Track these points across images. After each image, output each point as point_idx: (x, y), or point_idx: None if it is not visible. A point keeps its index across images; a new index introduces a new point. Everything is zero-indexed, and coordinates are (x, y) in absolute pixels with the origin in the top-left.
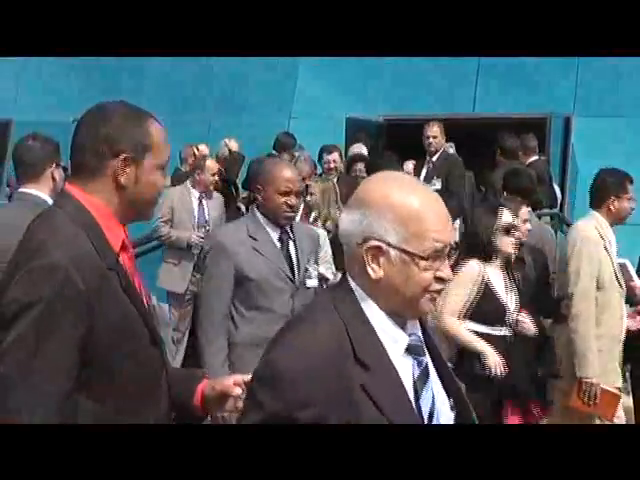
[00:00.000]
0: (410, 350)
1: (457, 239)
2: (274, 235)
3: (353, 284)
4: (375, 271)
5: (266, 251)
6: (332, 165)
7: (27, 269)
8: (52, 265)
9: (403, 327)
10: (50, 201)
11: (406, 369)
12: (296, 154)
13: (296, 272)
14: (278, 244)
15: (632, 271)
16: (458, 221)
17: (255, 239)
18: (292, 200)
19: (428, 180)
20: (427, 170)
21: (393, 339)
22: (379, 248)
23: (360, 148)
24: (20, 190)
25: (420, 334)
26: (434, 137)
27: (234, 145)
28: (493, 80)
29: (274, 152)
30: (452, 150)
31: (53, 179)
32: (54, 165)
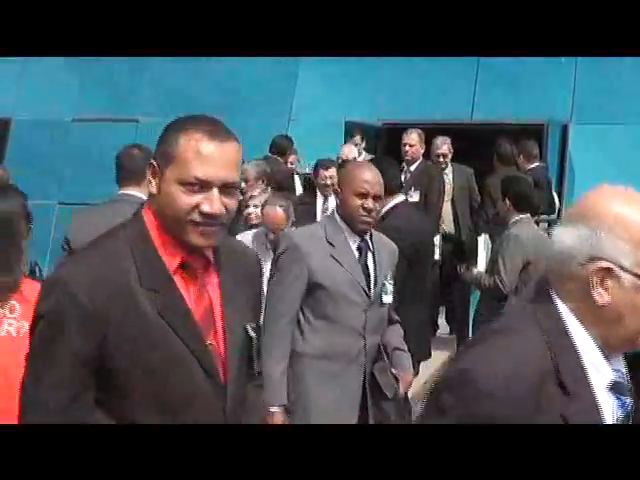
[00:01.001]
0: (614, 388)
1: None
2: (353, 243)
3: (559, 303)
4: (602, 296)
5: (344, 260)
6: (328, 182)
7: (45, 280)
8: (59, 279)
9: (608, 360)
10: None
11: (607, 407)
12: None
13: (372, 286)
14: (356, 253)
15: None
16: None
17: (333, 245)
18: (369, 203)
19: (405, 190)
20: (404, 180)
21: (598, 370)
22: (609, 270)
23: (351, 151)
24: (121, 192)
25: (624, 371)
26: (411, 145)
27: None
28: (491, 87)
29: (269, 155)
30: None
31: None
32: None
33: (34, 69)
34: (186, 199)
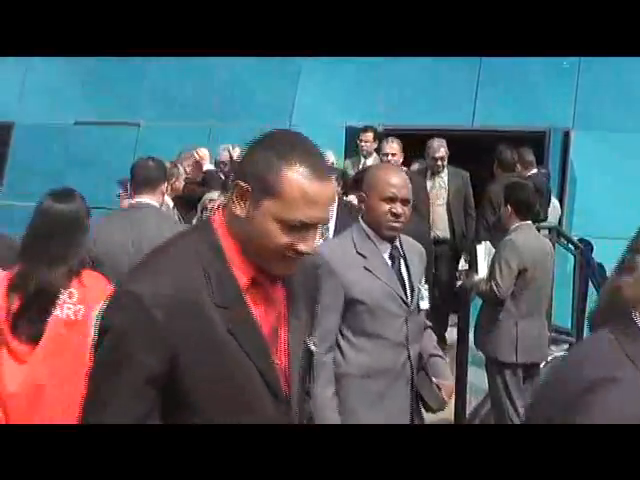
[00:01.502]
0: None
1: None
2: (384, 251)
3: None
4: None
5: (378, 270)
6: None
7: (118, 291)
8: (129, 292)
9: None
10: (157, 207)
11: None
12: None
13: (409, 294)
14: (389, 262)
15: None
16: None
17: (364, 256)
18: (397, 208)
19: None
20: None
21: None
22: None
23: (328, 157)
24: (137, 200)
25: None
26: (393, 155)
27: (237, 152)
28: (493, 93)
29: None
30: (417, 166)
31: (162, 193)
32: (165, 182)
33: (36, 73)
34: (284, 238)
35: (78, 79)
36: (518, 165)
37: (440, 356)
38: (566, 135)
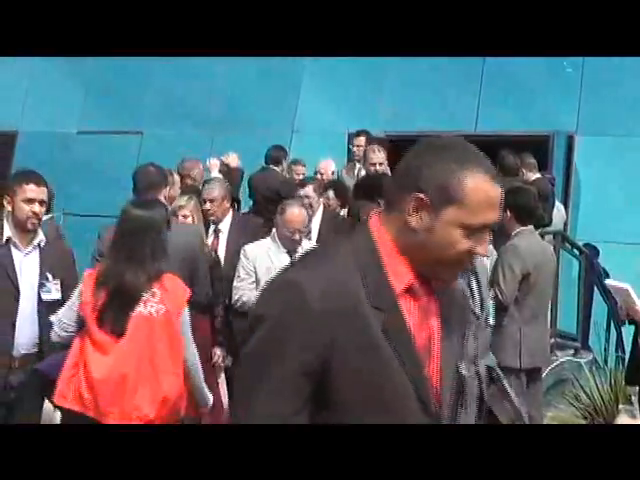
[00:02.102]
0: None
1: None
2: None
3: None
4: None
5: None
6: (305, 201)
7: (270, 282)
8: (290, 282)
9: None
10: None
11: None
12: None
13: (480, 310)
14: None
15: (634, 295)
16: None
17: None
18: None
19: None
20: None
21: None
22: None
23: (323, 163)
24: None
25: None
26: (380, 164)
27: (233, 161)
28: (496, 98)
29: (266, 166)
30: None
31: (165, 198)
32: (167, 187)
33: (40, 83)
34: (465, 243)
35: (81, 88)
36: (523, 169)
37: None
38: (570, 139)
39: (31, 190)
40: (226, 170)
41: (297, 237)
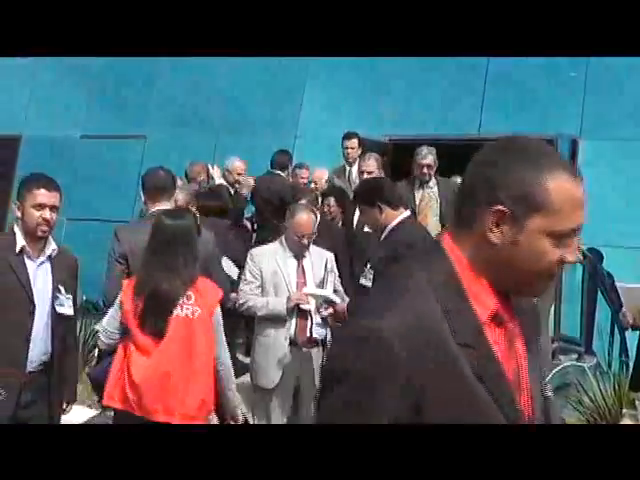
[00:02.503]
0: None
1: None
2: None
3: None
4: None
5: None
6: (313, 186)
7: (353, 329)
8: (371, 330)
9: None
10: None
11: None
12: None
13: None
14: None
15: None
16: None
17: None
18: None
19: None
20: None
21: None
22: None
23: (318, 172)
24: (156, 209)
25: None
26: (369, 172)
27: (217, 172)
28: (499, 101)
29: (271, 170)
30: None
31: (175, 202)
32: (176, 191)
33: (43, 87)
34: (556, 252)
35: (84, 92)
36: None
37: None
38: (574, 143)
39: (42, 195)
40: (231, 177)
41: (305, 242)
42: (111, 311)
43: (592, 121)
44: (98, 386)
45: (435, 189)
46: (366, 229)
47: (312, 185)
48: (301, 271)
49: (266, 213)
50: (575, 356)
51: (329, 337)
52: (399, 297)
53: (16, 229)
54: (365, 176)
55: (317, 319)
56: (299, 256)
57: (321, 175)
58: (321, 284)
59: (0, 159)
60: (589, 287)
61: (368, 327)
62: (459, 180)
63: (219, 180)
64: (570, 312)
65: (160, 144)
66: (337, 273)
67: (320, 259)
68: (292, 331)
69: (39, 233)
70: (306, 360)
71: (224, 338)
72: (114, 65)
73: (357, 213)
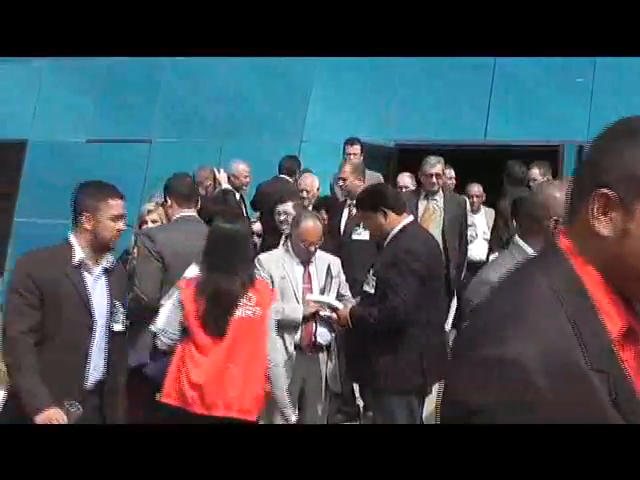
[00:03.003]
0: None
1: None
2: None
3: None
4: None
5: None
6: (282, 217)
7: (479, 358)
8: (505, 360)
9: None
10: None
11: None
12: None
13: None
14: None
15: None
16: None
17: None
18: None
19: (350, 227)
20: (348, 215)
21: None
22: None
23: (309, 180)
24: (185, 213)
25: None
26: (344, 179)
27: (224, 177)
28: (506, 107)
29: (280, 176)
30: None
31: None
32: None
33: (49, 91)
34: None
35: (91, 97)
36: (541, 177)
37: None
38: (580, 150)
39: (118, 205)
40: (237, 182)
41: (312, 249)
42: (166, 312)
43: (599, 127)
44: (153, 383)
45: (440, 202)
46: (354, 237)
47: (304, 194)
48: (307, 277)
49: (267, 218)
50: None
51: (333, 342)
52: (525, 314)
53: (73, 240)
54: (345, 184)
55: (321, 324)
56: (305, 262)
57: (312, 183)
58: (323, 290)
59: (6, 163)
60: None
61: (500, 356)
62: (468, 191)
63: (225, 185)
64: None
65: (165, 148)
66: (344, 278)
67: (323, 264)
68: (297, 336)
69: (111, 245)
70: (312, 364)
71: (277, 337)
72: (119, 69)
73: (344, 220)
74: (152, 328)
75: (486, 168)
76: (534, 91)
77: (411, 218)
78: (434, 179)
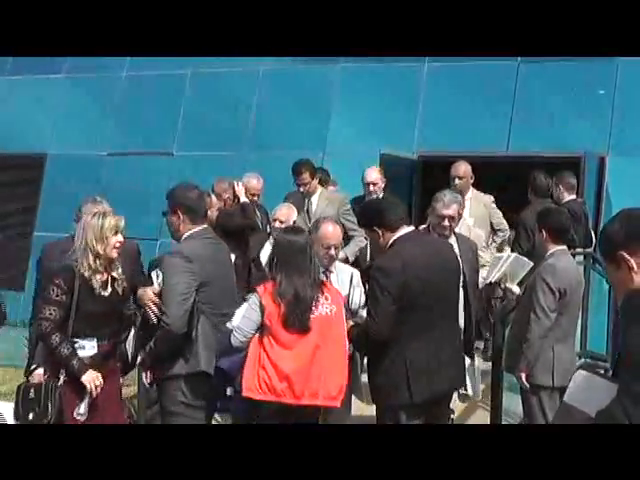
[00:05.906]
0: None
1: None
2: None
3: None
4: None
5: None
6: (277, 225)
7: None
8: None
9: None
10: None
11: None
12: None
13: None
14: None
15: None
16: None
17: None
18: None
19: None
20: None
21: None
22: None
23: (290, 214)
24: (202, 227)
25: None
26: (374, 184)
27: (242, 190)
28: (527, 119)
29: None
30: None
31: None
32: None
33: (69, 105)
34: None
35: (111, 111)
36: (560, 188)
37: None
38: (602, 161)
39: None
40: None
41: (332, 252)
42: (243, 312)
43: (620, 139)
44: (228, 379)
45: (455, 246)
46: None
47: (277, 224)
48: None
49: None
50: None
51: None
52: None
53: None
54: (370, 189)
55: None
56: (326, 272)
57: (288, 213)
58: (349, 297)
59: (26, 178)
60: (615, 304)
61: None
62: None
63: (243, 198)
64: (596, 329)
65: (187, 160)
66: (362, 289)
67: (346, 275)
68: None
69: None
70: None
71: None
72: (140, 82)
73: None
74: (228, 325)
75: (509, 179)
76: (555, 102)
77: (402, 232)
78: (446, 222)
